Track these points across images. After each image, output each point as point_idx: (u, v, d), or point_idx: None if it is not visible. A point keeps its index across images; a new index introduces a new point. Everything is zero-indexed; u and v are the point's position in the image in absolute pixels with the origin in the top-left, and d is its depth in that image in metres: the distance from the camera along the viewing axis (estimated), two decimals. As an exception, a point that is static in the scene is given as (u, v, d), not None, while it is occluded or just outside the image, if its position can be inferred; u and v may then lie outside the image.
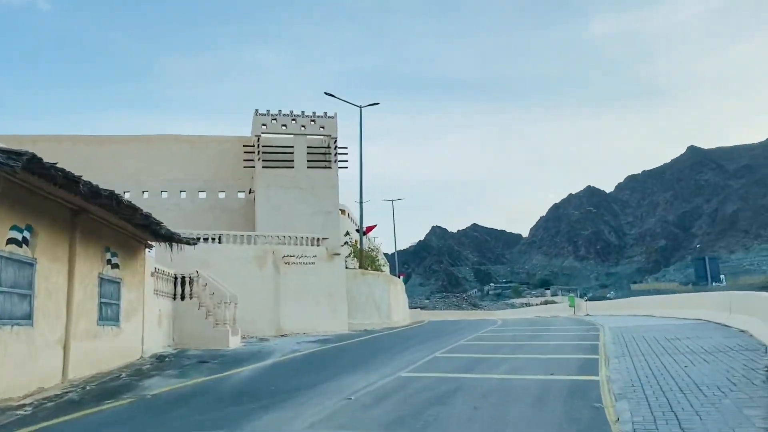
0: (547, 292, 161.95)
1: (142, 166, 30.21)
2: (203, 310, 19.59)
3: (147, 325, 17.06)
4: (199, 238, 24.51)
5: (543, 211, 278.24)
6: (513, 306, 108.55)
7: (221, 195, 30.84)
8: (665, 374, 10.71)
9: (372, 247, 38.89)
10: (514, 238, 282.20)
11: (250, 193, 30.08)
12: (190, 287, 19.96)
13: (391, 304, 29.84)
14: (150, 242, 16.94)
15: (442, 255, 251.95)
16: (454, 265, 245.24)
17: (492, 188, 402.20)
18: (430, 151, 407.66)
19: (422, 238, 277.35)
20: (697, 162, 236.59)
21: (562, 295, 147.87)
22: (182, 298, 19.86)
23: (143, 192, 30.48)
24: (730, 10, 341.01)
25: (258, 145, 28.92)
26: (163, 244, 16.46)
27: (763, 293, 17.05)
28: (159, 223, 14.18)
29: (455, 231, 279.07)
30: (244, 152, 29.69)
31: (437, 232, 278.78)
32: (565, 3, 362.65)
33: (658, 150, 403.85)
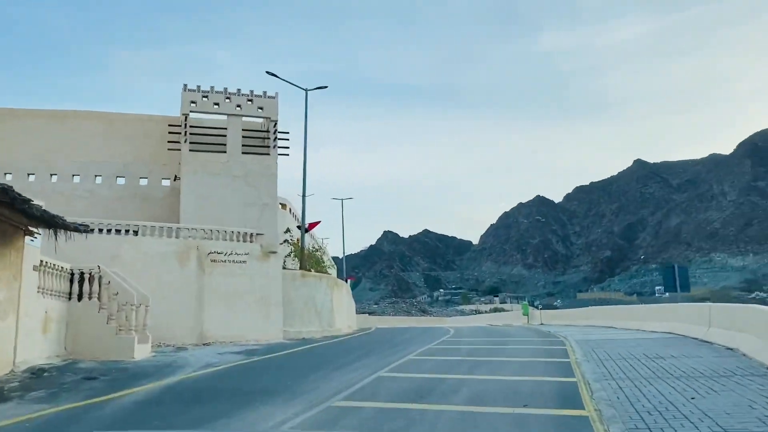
0: (496, 299, 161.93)
1: (51, 146, 26.28)
2: (104, 314, 16.27)
3: (24, 331, 13.71)
4: (110, 230, 21.06)
5: (493, 219, 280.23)
6: (463, 313, 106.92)
7: (143, 182, 27.14)
8: (671, 409, 8.22)
9: (317, 247, 35.74)
10: (464, 245, 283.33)
11: (175, 180, 26.48)
12: (90, 285, 16.59)
13: (335, 309, 26.91)
14: (32, 228, 13.61)
15: (393, 260, 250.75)
16: (404, 271, 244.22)
17: (444, 195, 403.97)
18: (384, 156, 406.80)
19: (374, 243, 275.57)
20: (642, 175, 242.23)
21: (510, 302, 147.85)
22: (79, 298, 16.48)
23: (51, 175, 26.52)
24: (672, 31, 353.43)
25: (185, 124, 25.48)
26: (57, 232, 13.21)
27: (756, 306, 15.00)
28: (27, 201, 10.93)
29: (407, 236, 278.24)
30: (169, 132, 26.19)
31: (389, 237, 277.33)
32: (520, 17, 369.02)
33: (606, 162, 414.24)
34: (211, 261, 21.72)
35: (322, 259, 37.12)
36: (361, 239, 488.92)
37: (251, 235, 22.80)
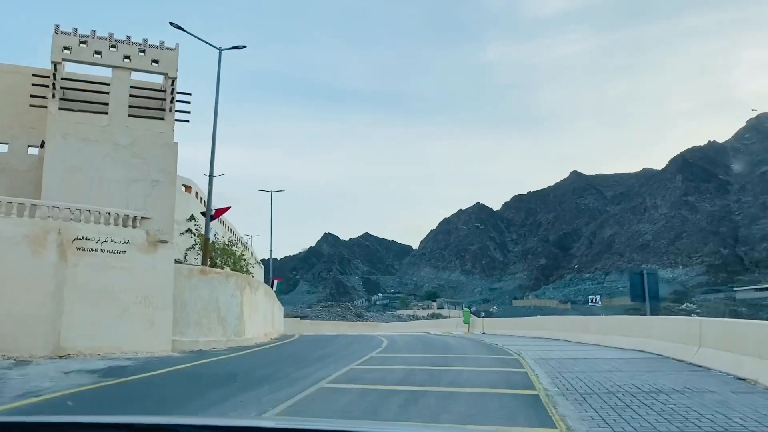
0: (434, 304, 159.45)
1: None
2: None
3: None
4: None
5: (434, 225, 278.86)
6: (400, 318, 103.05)
7: (2, 149, 21.62)
8: None
9: (233, 241, 30.72)
10: (405, 250, 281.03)
11: (43, 147, 21.06)
12: None
13: (245, 315, 22.19)
14: None
15: (333, 263, 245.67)
16: (343, 273, 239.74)
17: (386, 199, 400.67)
18: (326, 158, 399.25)
19: (313, 245, 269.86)
20: (579, 187, 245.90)
21: (448, 308, 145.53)
22: None
23: None
24: (606, 51, 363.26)
25: (55, 76, 20.20)
26: None
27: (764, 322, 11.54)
28: None
29: (347, 239, 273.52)
30: (33, 84, 20.82)
31: (329, 239, 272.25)
32: (464, 27, 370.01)
33: (544, 173, 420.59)
34: (78, 249, 16.68)
35: (240, 255, 32.35)
36: (300, 241, 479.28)
37: (134, 218, 17.86)
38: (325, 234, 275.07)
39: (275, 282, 44.54)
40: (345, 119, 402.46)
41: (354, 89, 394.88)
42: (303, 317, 77.11)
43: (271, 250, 45.07)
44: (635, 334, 18.64)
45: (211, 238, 27.48)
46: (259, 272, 47.38)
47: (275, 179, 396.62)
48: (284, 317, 77.70)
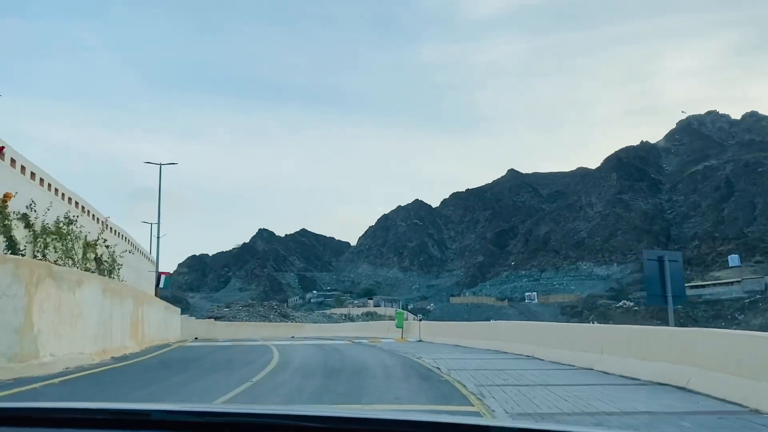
0: (370, 302, 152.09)
1: None
2: None
3: None
4: None
5: (372, 221, 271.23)
6: (331, 318, 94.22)
7: None
8: None
9: (69, 219, 21.28)
10: (342, 246, 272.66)
11: None
12: None
13: (42, 324, 13.50)
14: None
15: (267, 259, 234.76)
16: (278, 270, 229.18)
17: (324, 196, 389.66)
18: (261, 153, 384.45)
19: (247, 241, 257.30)
20: (515, 185, 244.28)
21: (385, 305, 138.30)
22: None
23: None
24: (538, 54, 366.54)
25: None
26: None
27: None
28: None
29: (283, 235, 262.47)
30: None
31: (264, 235, 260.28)
32: (401, 27, 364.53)
33: (481, 171, 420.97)
34: None
35: (95, 243, 23.46)
36: (234, 237, 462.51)
37: None
38: (259, 230, 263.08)
39: (162, 277, 35.40)
40: (281, 114, 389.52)
41: (291, 85, 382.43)
42: (218, 318, 67.28)
43: (158, 237, 35.55)
44: (606, 351, 11.11)
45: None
46: (145, 267, 38.02)
47: (209, 174, 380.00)
48: (201, 318, 68.02)
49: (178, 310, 37.83)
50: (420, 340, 28.54)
